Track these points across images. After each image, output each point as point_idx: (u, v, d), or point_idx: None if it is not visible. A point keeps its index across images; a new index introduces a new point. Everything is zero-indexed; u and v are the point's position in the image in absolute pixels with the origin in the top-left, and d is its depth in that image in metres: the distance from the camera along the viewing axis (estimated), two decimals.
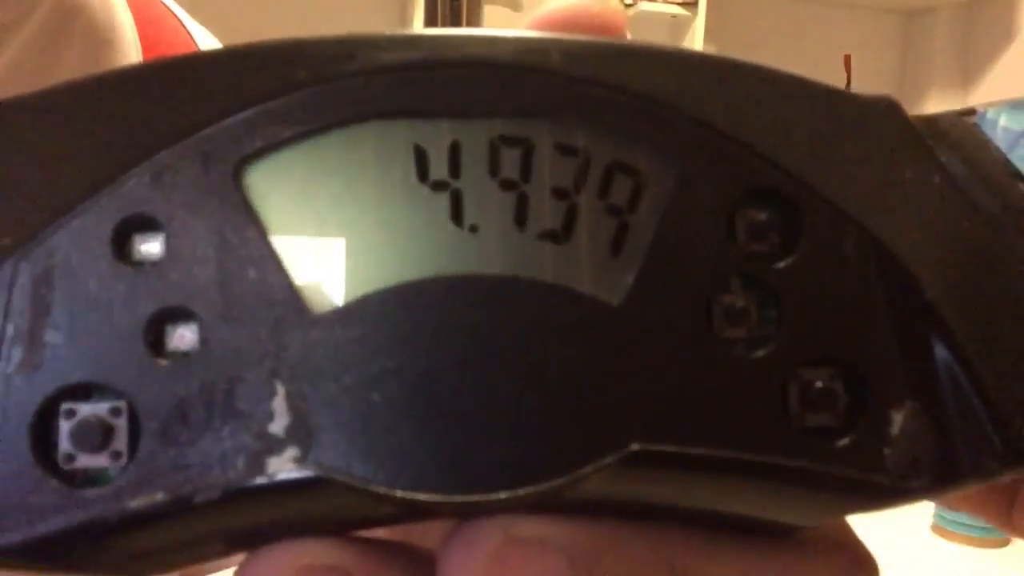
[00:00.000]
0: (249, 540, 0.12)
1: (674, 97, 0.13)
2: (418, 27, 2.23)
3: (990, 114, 0.19)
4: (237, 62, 0.13)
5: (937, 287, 0.13)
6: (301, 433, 0.12)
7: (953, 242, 0.13)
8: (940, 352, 0.13)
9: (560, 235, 0.13)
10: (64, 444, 0.12)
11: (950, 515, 1.05)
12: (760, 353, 0.12)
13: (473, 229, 0.13)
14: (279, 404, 0.12)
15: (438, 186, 0.13)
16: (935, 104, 2.68)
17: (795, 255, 0.13)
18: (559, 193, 0.13)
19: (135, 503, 0.12)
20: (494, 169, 0.13)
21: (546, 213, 0.13)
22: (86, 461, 0.12)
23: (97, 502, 0.12)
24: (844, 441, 0.12)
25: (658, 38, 2.54)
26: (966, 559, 1.02)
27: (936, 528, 1.07)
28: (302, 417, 0.12)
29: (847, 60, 2.75)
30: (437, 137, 0.13)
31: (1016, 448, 0.13)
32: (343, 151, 0.13)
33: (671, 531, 0.13)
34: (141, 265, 0.12)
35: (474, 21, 2.45)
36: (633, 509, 0.12)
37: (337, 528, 0.13)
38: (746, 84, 0.14)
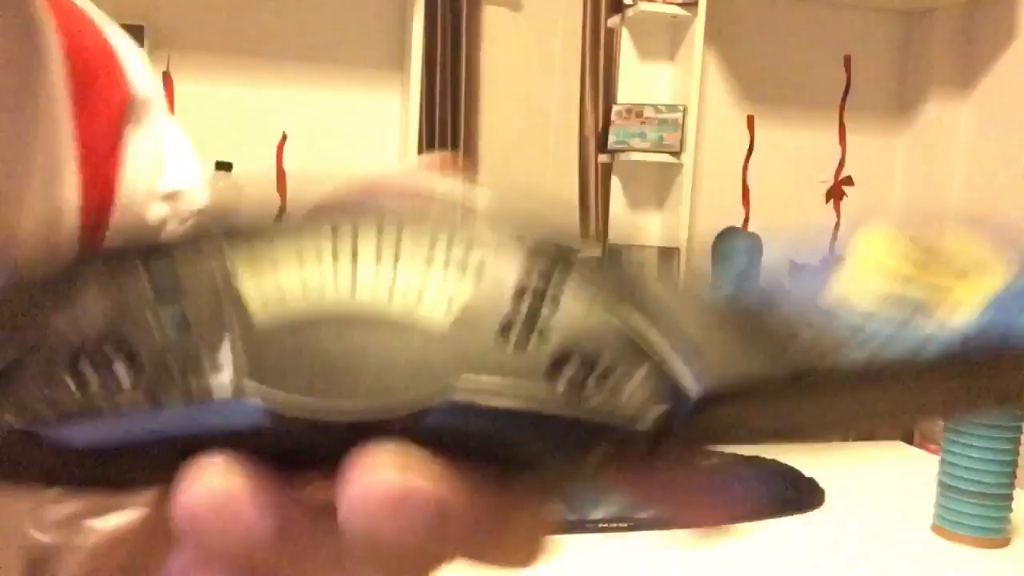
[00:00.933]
0: (190, 452, 0.17)
1: None
2: (418, 28, 2.22)
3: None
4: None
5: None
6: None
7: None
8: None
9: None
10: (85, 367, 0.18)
11: (950, 515, 1.05)
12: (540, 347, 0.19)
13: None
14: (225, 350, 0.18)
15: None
16: (934, 103, 2.69)
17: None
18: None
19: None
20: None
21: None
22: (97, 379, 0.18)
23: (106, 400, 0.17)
24: (598, 397, 0.18)
25: (658, 38, 2.54)
26: (966, 559, 1.02)
27: (936, 528, 1.07)
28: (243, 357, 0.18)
29: (847, 60, 2.75)
30: None
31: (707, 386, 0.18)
32: None
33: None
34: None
35: (474, 21, 2.45)
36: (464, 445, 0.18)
37: (256, 445, 0.18)
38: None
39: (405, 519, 0.16)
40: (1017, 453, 1.03)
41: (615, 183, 2.52)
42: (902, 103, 2.79)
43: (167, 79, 2.22)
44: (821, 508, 1.17)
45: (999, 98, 2.57)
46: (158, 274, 0.18)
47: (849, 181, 2.78)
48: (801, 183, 2.74)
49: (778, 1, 2.65)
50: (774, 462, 1.34)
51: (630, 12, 2.42)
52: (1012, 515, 1.06)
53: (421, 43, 2.23)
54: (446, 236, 0.19)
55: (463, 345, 0.18)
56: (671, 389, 0.18)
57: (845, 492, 1.23)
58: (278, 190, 2.31)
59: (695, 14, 2.39)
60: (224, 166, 2.12)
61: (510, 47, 2.51)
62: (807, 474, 1.28)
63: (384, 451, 0.16)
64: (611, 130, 2.45)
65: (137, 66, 0.48)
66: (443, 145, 2.43)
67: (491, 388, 0.17)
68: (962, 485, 1.04)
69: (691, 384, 0.18)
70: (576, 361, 0.18)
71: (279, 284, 0.18)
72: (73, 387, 0.17)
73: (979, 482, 1.03)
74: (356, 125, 2.35)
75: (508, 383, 0.17)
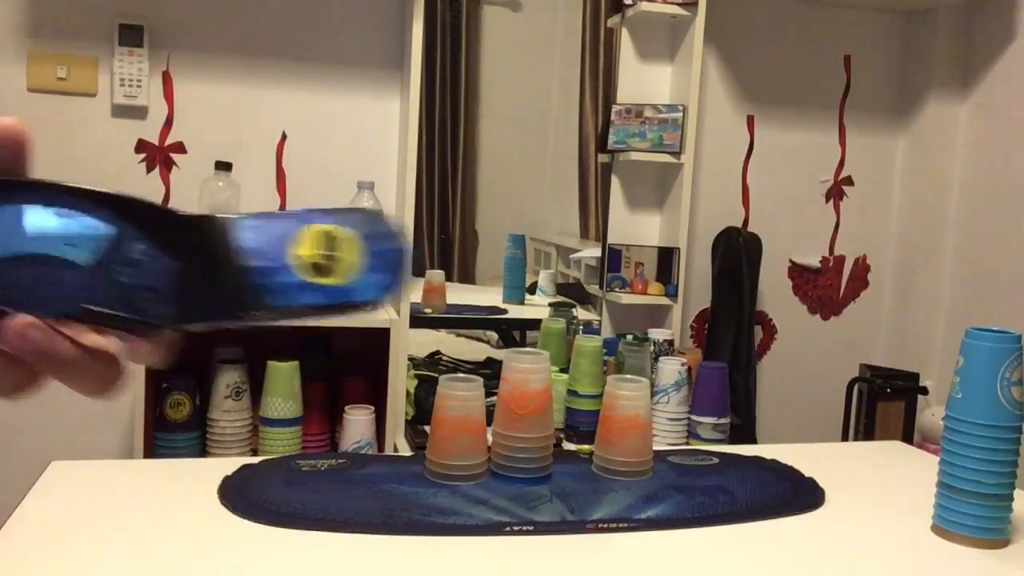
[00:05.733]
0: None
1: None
2: (418, 28, 2.22)
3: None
4: None
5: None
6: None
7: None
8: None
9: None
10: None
11: (950, 515, 1.05)
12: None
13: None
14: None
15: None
16: (934, 103, 2.69)
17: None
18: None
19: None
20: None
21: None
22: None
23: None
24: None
25: (658, 38, 2.54)
26: (966, 559, 1.02)
27: (936, 528, 1.07)
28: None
29: (847, 60, 2.75)
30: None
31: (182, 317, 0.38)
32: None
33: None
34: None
35: (474, 22, 2.45)
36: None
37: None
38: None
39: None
40: (1017, 454, 1.03)
41: (615, 183, 2.52)
42: (902, 103, 2.79)
43: (167, 79, 2.22)
44: (821, 508, 1.17)
45: (999, 98, 2.57)
46: None
47: (849, 181, 2.78)
48: (801, 183, 2.74)
49: (778, 1, 2.65)
50: (774, 462, 1.34)
51: (630, 12, 2.42)
52: (1012, 516, 1.06)
53: (421, 43, 2.23)
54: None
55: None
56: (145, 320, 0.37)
57: (845, 492, 1.23)
58: (278, 190, 2.31)
59: (695, 14, 2.39)
60: (224, 166, 2.12)
61: (510, 47, 2.51)
62: (807, 474, 1.28)
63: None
64: (611, 130, 2.45)
65: None
66: (443, 145, 2.43)
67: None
68: (962, 485, 1.04)
69: (156, 320, 0.37)
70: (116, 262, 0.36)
71: None
72: None
73: (979, 482, 1.03)
74: (356, 125, 2.35)
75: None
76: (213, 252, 0.36)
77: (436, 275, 2.52)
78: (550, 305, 2.48)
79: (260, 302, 0.37)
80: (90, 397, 0.37)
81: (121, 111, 2.21)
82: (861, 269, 2.83)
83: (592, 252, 2.59)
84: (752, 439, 2.51)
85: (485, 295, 2.60)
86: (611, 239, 2.51)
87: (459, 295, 2.55)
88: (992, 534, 1.05)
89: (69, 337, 0.35)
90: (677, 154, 2.42)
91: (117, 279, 0.35)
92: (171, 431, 1.95)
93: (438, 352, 2.50)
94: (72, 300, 0.34)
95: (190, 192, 2.20)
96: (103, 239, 0.35)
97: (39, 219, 0.34)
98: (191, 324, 0.36)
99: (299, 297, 0.37)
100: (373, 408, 2.00)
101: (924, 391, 2.53)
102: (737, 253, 2.58)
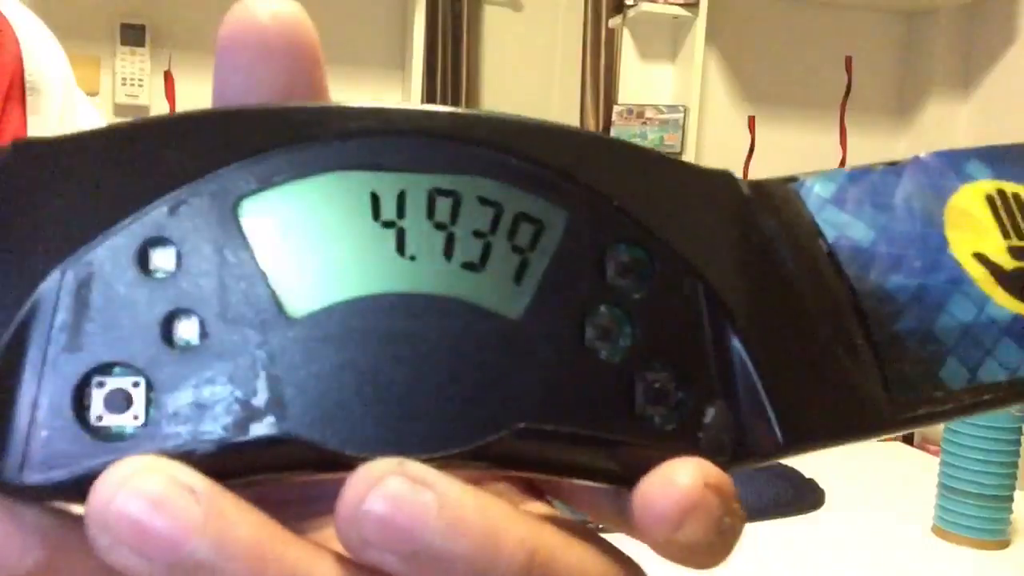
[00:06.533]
0: (231, 476, 0.16)
1: (568, 166, 0.18)
2: (419, 28, 2.22)
3: (808, 182, 0.22)
4: (240, 121, 0.17)
5: (746, 319, 0.18)
6: (276, 406, 0.16)
7: (763, 286, 0.19)
8: (744, 367, 0.18)
9: (478, 265, 0.17)
10: (96, 407, 0.16)
11: (950, 516, 1.05)
12: (617, 360, 0.17)
13: (412, 258, 0.17)
14: (261, 384, 0.16)
15: (387, 224, 0.17)
16: (935, 104, 2.69)
17: (647, 289, 0.18)
18: (478, 234, 0.17)
19: (148, 453, 0.15)
20: (430, 213, 0.17)
21: (468, 248, 0.17)
22: (111, 420, 0.16)
23: (120, 451, 0.15)
24: (672, 426, 0.17)
25: (659, 38, 2.54)
26: (966, 559, 1.02)
27: (936, 528, 1.07)
28: (278, 395, 0.16)
29: (848, 61, 2.75)
30: (389, 187, 0.17)
31: (789, 442, 0.18)
32: (317, 194, 0.17)
33: (534, 519, 0.16)
34: (158, 276, 0.16)
35: (474, 22, 2.45)
36: (515, 463, 0.17)
37: (295, 472, 0.17)
38: (620, 159, 0.18)
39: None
40: (1018, 455, 1.03)
41: None
42: (902, 104, 2.79)
43: (168, 79, 2.22)
44: (821, 508, 1.17)
45: (999, 99, 2.57)
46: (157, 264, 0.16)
47: None
48: None
49: (779, 2, 2.65)
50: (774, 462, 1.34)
51: (631, 12, 2.42)
52: (1012, 516, 1.06)
53: (422, 43, 2.23)
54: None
55: (542, 349, 0.17)
56: (752, 432, 0.18)
57: (845, 492, 1.23)
58: None
59: (696, 14, 2.39)
60: None
61: (510, 47, 2.51)
62: (807, 474, 1.28)
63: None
64: (612, 131, 2.45)
65: (39, 53, 0.47)
66: None
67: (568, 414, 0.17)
68: (962, 486, 1.04)
69: (776, 434, 0.18)
70: (657, 380, 0.17)
71: (311, 257, 0.17)
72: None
73: (979, 483, 1.03)
74: None
75: (586, 408, 0.17)
76: (814, 273, 0.19)
77: None
78: None
79: (928, 376, 0.19)
80: None
81: (123, 111, 2.21)
82: None
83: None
84: None
85: None
86: None
87: None
88: (992, 535, 1.05)
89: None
90: (678, 155, 2.42)
91: (598, 352, 0.17)
92: None
93: None
94: (503, 408, 0.16)
95: None
96: (564, 250, 0.17)
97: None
98: (803, 446, 0.18)
99: (1010, 356, 0.18)
100: None
101: None
102: None
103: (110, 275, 0.16)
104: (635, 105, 2.46)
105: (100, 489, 0.14)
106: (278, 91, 0.19)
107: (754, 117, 2.68)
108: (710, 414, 0.17)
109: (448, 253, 0.17)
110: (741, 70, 2.66)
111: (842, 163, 2.76)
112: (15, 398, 0.16)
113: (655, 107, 2.45)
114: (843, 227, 0.20)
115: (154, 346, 0.16)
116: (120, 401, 0.16)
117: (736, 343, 0.18)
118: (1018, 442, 1.02)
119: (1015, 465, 1.03)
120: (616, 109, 2.47)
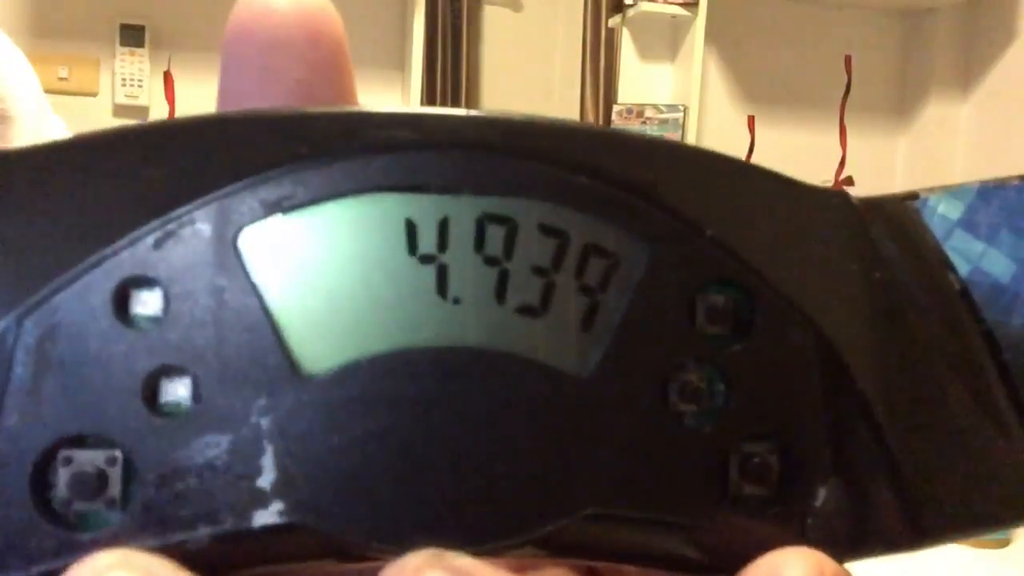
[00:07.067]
0: (228, 570, 0.13)
1: (649, 186, 0.14)
2: (419, 28, 2.22)
3: (931, 200, 0.19)
4: (242, 131, 0.14)
5: (867, 378, 0.15)
6: (286, 488, 0.13)
7: (886, 335, 0.15)
8: (864, 437, 0.15)
9: (537, 310, 0.14)
10: (61, 490, 0.12)
11: None
12: (708, 428, 0.14)
13: (456, 301, 0.13)
14: (267, 461, 0.13)
15: (426, 259, 0.13)
16: (935, 104, 2.69)
17: (747, 340, 0.14)
18: (538, 271, 0.14)
19: (128, 548, 0.12)
20: (479, 245, 0.14)
21: (525, 289, 0.14)
22: (82, 506, 0.12)
23: (91, 546, 0.12)
24: (775, 509, 0.14)
25: (659, 38, 2.54)
26: (966, 559, 1.02)
27: None
28: (288, 474, 0.13)
29: (847, 60, 2.75)
30: (428, 212, 0.14)
31: (919, 531, 0.15)
32: (339, 222, 0.13)
33: None
34: (140, 324, 0.13)
35: (474, 22, 2.45)
36: (582, 550, 0.14)
37: (305, 561, 0.13)
38: (713, 176, 0.15)
39: None
40: None
41: None
42: (902, 103, 2.79)
43: (168, 79, 2.22)
44: None
45: (999, 98, 2.57)
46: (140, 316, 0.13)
47: (849, 181, 2.78)
48: None
49: (778, 1, 2.65)
50: None
51: (631, 12, 2.42)
52: None
53: (421, 43, 2.23)
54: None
55: (616, 415, 0.14)
56: (873, 518, 0.15)
57: None
58: None
59: (696, 14, 2.39)
60: None
61: (510, 47, 2.51)
62: None
63: None
64: None
65: (9, 76, 0.42)
66: None
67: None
68: None
69: (903, 521, 0.15)
70: (757, 452, 0.14)
71: (330, 305, 0.13)
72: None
73: None
74: None
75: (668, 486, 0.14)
76: (946, 318, 0.16)
77: None
78: None
79: None
80: None
81: (122, 111, 2.21)
82: None
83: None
84: None
85: None
86: None
87: None
88: (992, 534, 1.05)
89: None
90: None
91: (684, 418, 0.14)
92: None
93: None
94: (568, 490, 0.14)
95: None
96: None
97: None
98: (936, 537, 0.15)
99: None
100: None
101: None
102: None
103: (80, 324, 0.13)
104: (635, 105, 2.46)
105: None
106: (294, 92, 0.15)
107: (754, 117, 2.68)
108: (821, 495, 0.14)
109: (500, 295, 0.14)
110: (740, 70, 2.66)
111: (842, 163, 2.76)
112: None
113: (654, 107, 2.45)
114: (978, 258, 0.16)
115: (135, 413, 0.13)
116: (91, 481, 0.12)
117: (855, 407, 0.15)
118: None
119: None
120: (616, 109, 2.47)
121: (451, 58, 2.40)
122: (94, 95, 2.18)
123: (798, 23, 2.68)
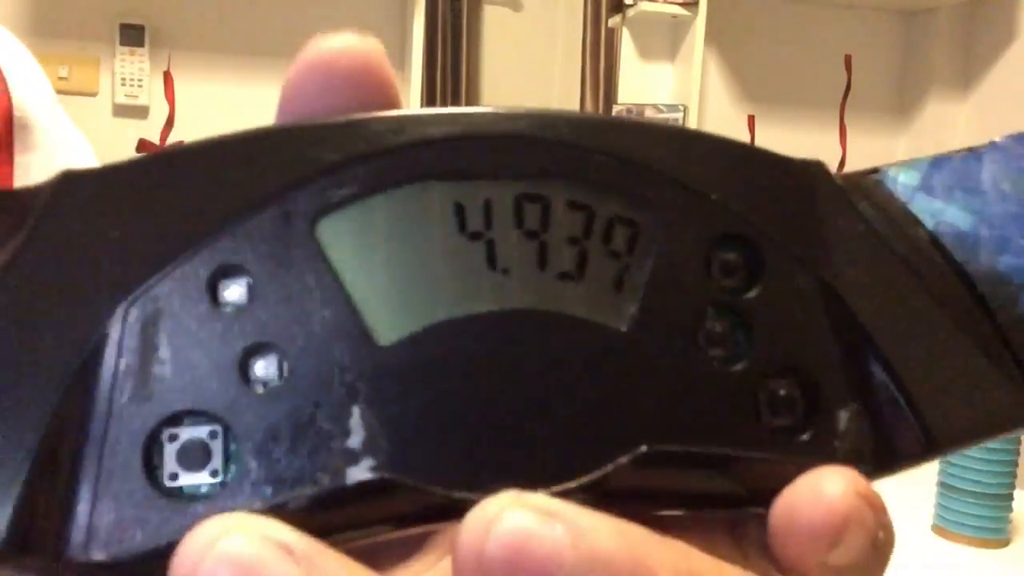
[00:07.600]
0: (327, 534, 0.14)
1: (660, 163, 0.16)
2: (419, 28, 2.22)
3: (891, 171, 0.21)
4: (309, 134, 0.16)
5: (866, 312, 0.17)
6: (374, 446, 0.14)
7: (876, 277, 0.17)
8: (872, 363, 0.16)
9: (574, 275, 0.15)
10: (169, 464, 0.14)
11: (950, 515, 1.05)
12: (736, 368, 0.16)
13: (505, 272, 0.15)
14: (355, 423, 0.14)
15: (475, 236, 0.15)
16: (935, 103, 2.69)
17: (758, 288, 0.16)
18: (572, 240, 0.15)
19: (234, 511, 0.13)
20: (519, 222, 0.15)
21: (562, 257, 0.15)
22: (188, 479, 0.14)
23: (201, 515, 0.13)
24: (804, 436, 0.16)
25: (659, 38, 2.54)
26: (966, 559, 1.02)
27: (936, 528, 1.07)
28: (374, 433, 0.14)
29: (847, 60, 2.75)
30: (473, 196, 0.15)
31: (932, 442, 0.16)
32: (399, 207, 0.15)
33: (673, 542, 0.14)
34: (233, 308, 0.14)
35: (474, 21, 2.45)
36: (637, 497, 0.15)
37: (397, 523, 0.15)
38: (713, 151, 0.17)
39: None
40: (1017, 453, 1.03)
41: None
42: (902, 103, 2.79)
43: (168, 79, 2.22)
44: None
45: (999, 98, 2.57)
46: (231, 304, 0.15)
47: None
48: None
49: (778, 1, 2.65)
50: None
51: (631, 12, 2.42)
52: (1012, 515, 1.06)
53: (421, 43, 2.23)
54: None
55: (658, 361, 0.15)
56: (892, 435, 0.16)
57: None
58: None
59: (696, 14, 2.39)
60: None
61: (510, 47, 2.51)
62: None
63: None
64: None
65: (25, 84, 0.43)
66: None
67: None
68: (962, 485, 1.04)
69: (919, 435, 0.16)
70: (782, 386, 0.16)
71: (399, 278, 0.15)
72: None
73: (979, 482, 1.03)
74: None
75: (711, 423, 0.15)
76: (925, 261, 0.18)
77: None
78: None
79: None
80: None
81: (122, 111, 2.21)
82: None
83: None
84: None
85: None
86: None
87: None
88: (992, 534, 1.05)
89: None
90: None
91: (714, 360, 0.16)
92: None
93: None
94: (623, 430, 0.15)
95: None
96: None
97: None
98: (949, 446, 0.17)
99: None
100: None
101: None
102: None
103: (179, 310, 0.14)
104: (635, 104, 2.46)
105: (182, 558, 0.12)
106: None
107: (754, 116, 2.68)
108: (843, 419, 0.16)
109: (542, 264, 0.15)
110: (740, 69, 2.66)
111: (841, 163, 2.76)
112: (77, 462, 0.13)
113: (655, 106, 2.45)
114: (939, 214, 0.18)
115: (232, 388, 0.14)
116: (196, 455, 0.14)
117: (859, 340, 0.16)
118: (1018, 441, 1.02)
119: (1015, 464, 1.03)
120: (616, 108, 2.47)
121: (451, 58, 2.40)
122: (94, 95, 2.18)
123: (798, 23, 2.68)
